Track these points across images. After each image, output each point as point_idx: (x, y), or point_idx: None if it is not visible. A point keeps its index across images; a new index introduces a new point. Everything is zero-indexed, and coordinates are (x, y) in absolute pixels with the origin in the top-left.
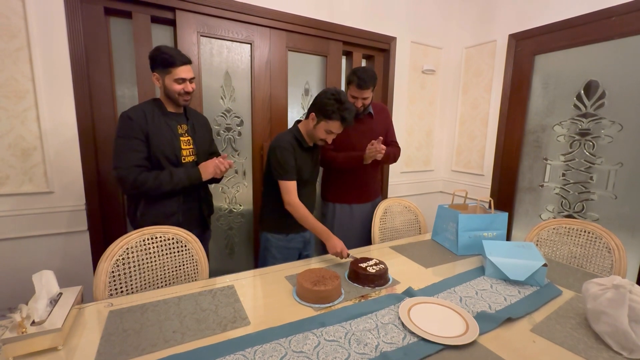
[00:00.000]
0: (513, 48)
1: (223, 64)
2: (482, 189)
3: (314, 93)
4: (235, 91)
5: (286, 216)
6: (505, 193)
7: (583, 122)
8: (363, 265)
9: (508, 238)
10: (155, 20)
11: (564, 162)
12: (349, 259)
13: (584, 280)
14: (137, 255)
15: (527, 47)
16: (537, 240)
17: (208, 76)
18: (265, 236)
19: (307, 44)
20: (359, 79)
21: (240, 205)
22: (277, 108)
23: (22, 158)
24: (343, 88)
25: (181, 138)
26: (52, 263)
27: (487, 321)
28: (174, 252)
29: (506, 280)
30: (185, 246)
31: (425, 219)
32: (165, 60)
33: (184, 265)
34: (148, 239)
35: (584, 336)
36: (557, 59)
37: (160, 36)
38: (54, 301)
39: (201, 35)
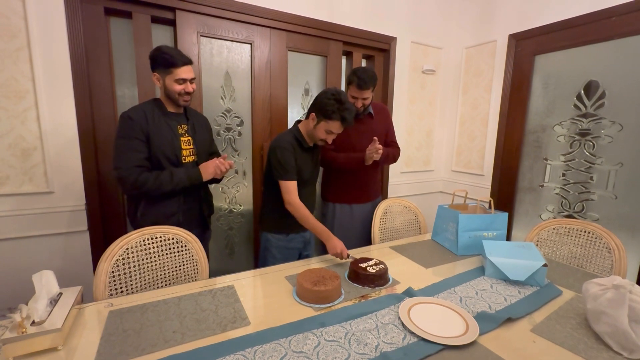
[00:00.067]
0: (513, 48)
1: (223, 64)
2: (482, 189)
3: (314, 93)
4: (235, 91)
5: (286, 216)
6: (505, 193)
7: (583, 122)
8: (363, 265)
9: (508, 238)
10: (155, 20)
11: (564, 162)
12: (349, 260)
13: (584, 281)
14: (137, 256)
15: (527, 47)
16: (537, 241)
17: (208, 76)
18: (265, 236)
19: (307, 44)
20: (359, 79)
21: (240, 205)
22: (277, 108)
23: (22, 158)
24: (343, 88)
25: (181, 138)
26: (52, 263)
27: (487, 321)
28: (174, 252)
29: (506, 280)
30: (185, 246)
31: (425, 219)
32: (166, 60)
33: (184, 265)
34: (148, 239)
35: (584, 336)
36: (557, 59)
37: (160, 36)
38: (54, 301)
39: (201, 36)
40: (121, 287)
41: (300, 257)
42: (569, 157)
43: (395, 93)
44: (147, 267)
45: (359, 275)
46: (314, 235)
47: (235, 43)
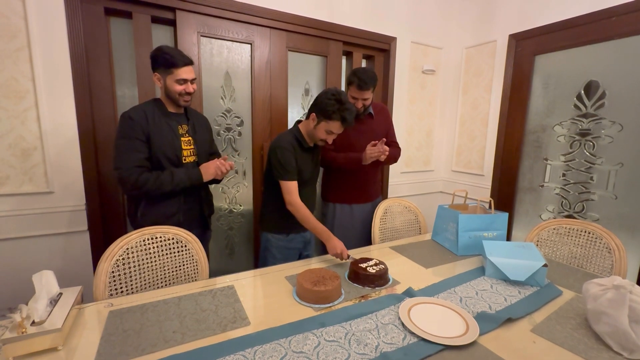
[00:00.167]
0: (513, 48)
1: (223, 64)
2: (482, 189)
3: (314, 93)
4: (235, 91)
5: (286, 216)
6: (505, 193)
7: (583, 122)
8: (363, 265)
9: (508, 238)
10: (155, 20)
11: (564, 162)
12: (349, 261)
13: (584, 281)
14: (137, 256)
15: (527, 47)
16: (537, 241)
17: (208, 76)
18: (265, 236)
19: (307, 44)
20: (359, 80)
21: (241, 206)
22: (277, 108)
23: (22, 158)
24: (343, 88)
25: (182, 138)
26: (52, 263)
27: (487, 321)
28: (174, 252)
29: (506, 280)
30: (185, 246)
31: (426, 219)
32: (167, 60)
33: (184, 265)
34: (148, 239)
35: (584, 336)
36: (557, 59)
37: (161, 36)
38: (54, 301)
39: (201, 36)
40: (121, 287)
41: (300, 257)
42: (569, 157)
43: (395, 93)
44: (147, 267)
45: (359, 275)
46: (314, 236)
47: (235, 43)
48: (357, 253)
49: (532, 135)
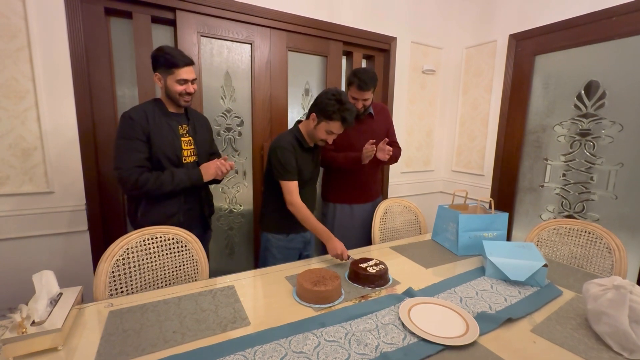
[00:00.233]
0: (513, 48)
1: (223, 64)
2: (482, 189)
3: (314, 93)
4: (235, 91)
5: (287, 216)
6: (505, 193)
7: (583, 123)
8: (363, 265)
9: (508, 238)
10: (155, 20)
11: (565, 162)
12: (349, 261)
13: (585, 281)
14: (137, 256)
15: (527, 47)
16: (538, 241)
17: (208, 76)
18: (265, 236)
19: (307, 44)
20: (359, 80)
21: (241, 206)
22: (278, 108)
23: (22, 158)
24: (343, 88)
25: (182, 138)
26: (53, 263)
27: (488, 321)
28: (174, 252)
29: (506, 280)
30: (186, 246)
31: (426, 219)
32: (168, 60)
33: (184, 265)
34: (148, 239)
35: (585, 337)
36: (557, 59)
37: (161, 36)
38: (54, 301)
39: (201, 36)
40: (121, 287)
41: (300, 257)
42: (569, 157)
43: (395, 93)
44: (147, 267)
45: (359, 275)
46: (314, 236)
47: (235, 43)
48: (357, 253)
49: (532, 135)
